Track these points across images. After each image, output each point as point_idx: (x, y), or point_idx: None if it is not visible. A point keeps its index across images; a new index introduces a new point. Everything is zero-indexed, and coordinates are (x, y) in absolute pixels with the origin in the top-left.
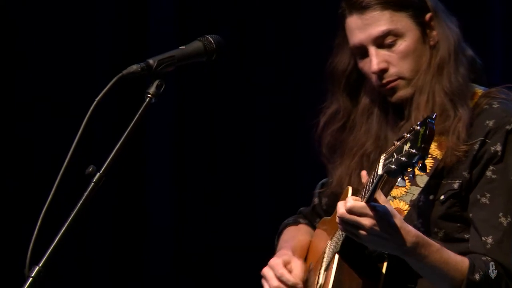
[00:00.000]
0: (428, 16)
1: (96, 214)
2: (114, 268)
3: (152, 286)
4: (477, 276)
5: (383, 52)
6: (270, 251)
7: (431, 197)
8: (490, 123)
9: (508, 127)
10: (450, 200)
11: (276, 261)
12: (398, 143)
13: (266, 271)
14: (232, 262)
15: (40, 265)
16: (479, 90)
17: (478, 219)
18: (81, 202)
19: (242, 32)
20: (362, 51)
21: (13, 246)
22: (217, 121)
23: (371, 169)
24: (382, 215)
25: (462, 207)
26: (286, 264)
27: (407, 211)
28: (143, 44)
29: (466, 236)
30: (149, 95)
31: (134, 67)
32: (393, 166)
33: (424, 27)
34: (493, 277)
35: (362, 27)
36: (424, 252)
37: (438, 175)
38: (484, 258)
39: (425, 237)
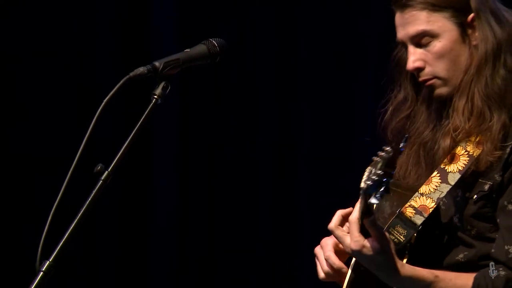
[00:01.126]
0: (470, 17)
1: (103, 211)
2: (120, 263)
3: (155, 284)
4: None
5: (420, 51)
6: (271, 254)
7: (467, 194)
8: None
9: None
10: (482, 201)
11: (327, 242)
12: (376, 159)
13: (317, 250)
14: (235, 264)
15: (50, 260)
16: None
17: (503, 226)
18: (89, 199)
19: (243, 34)
20: (405, 47)
21: (23, 242)
22: (221, 122)
23: (427, 158)
24: (371, 251)
25: (493, 208)
26: (337, 245)
27: (432, 209)
28: (144, 45)
29: None
30: (155, 96)
31: (141, 69)
32: (369, 183)
33: (465, 28)
34: None
35: (402, 24)
36: (417, 285)
37: (473, 173)
38: (496, 274)
39: (418, 271)
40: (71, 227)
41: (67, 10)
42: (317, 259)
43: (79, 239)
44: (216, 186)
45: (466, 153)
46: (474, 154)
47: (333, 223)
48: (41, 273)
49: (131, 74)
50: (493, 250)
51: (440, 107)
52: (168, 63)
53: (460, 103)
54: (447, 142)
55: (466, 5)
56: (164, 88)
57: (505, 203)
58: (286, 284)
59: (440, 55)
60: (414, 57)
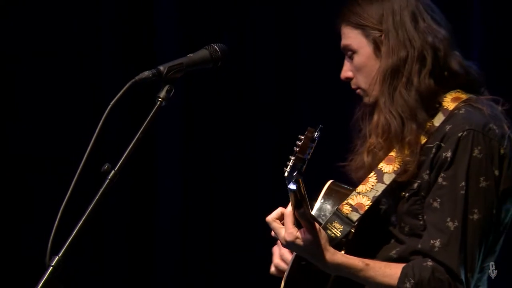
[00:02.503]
0: (380, 35)
1: (110, 208)
2: (126, 259)
3: (159, 281)
4: (407, 285)
5: (349, 63)
6: (271, 254)
7: (402, 193)
8: (448, 128)
9: (460, 134)
10: (412, 198)
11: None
12: (295, 148)
13: (274, 248)
14: (235, 264)
15: (59, 255)
16: (465, 95)
17: (429, 222)
18: (97, 197)
19: (244, 35)
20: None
21: (23, 242)
22: (222, 124)
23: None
24: (303, 241)
25: (422, 205)
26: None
27: (368, 206)
28: (145, 45)
29: None
30: (159, 99)
31: (146, 73)
32: (288, 170)
33: (378, 45)
34: (429, 283)
35: (341, 37)
36: (348, 271)
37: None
38: (424, 264)
39: (350, 259)
40: (79, 224)
41: (69, 11)
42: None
43: (87, 235)
44: (218, 186)
45: (400, 155)
46: (416, 154)
47: (271, 216)
48: (51, 267)
49: (137, 77)
50: (419, 246)
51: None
52: (172, 67)
53: (374, 119)
54: (368, 158)
55: (380, 24)
56: (168, 91)
57: (431, 200)
58: None
59: (358, 68)
60: (345, 67)
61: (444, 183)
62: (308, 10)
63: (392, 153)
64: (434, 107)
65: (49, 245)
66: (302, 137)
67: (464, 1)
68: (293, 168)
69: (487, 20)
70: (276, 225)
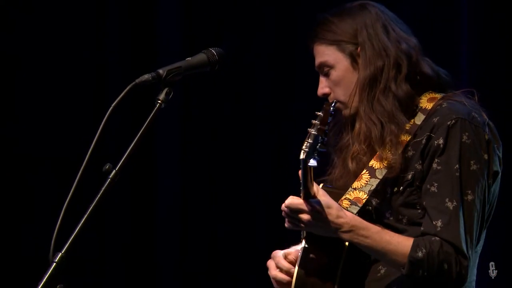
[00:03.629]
0: (359, 48)
1: (111, 207)
2: (127, 257)
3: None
4: (420, 254)
5: (325, 79)
6: (270, 250)
7: (395, 189)
8: (435, 119)
9: (449, 122)
10: (407, 189)
11: (276, 252)
12: (310, 129)
13: (268, 262)
14: (236, 264)
15: (62, 252)
16: (439, 95)
17: (429, 206)
18: (99, 195)
19: (244, 39)
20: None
21: (23, 241)
22: (220, 124)
23: (352, 164)
24: (317, 209)
25: (418, 195)
26: (287, 255)
27: (365, 199)
28: (151, 52)
29: None
30: (159, 101)
31: (146, 76)
32: (307, 150)
33: (354, 58)
34: (438, 254)
35: (315, 56)
36: (364, 233)
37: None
38: (433, 239)
39: (363, 221)
40: (82, 222)
41: (69, 12)
42: (269, 269)
43: (88, 233)
44: (216, 186)
45: (384, 155)
46: (399, 152)
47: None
48: (54, 263)
49: (137, 80)
50: (422, 228)
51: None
52: (171, 71)
53: (356, 127)
54: (353, 164)
55: (355, 38)
56: (167, 94)
57: (428, 186)
58: None
59: (336, 83)
60: (321, 84)
61: (439, 167)
62: (308, 12)
63: (379, 153)
64: (412, 109)
65: (52, 242)
66: (319, 112)
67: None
68: (314, 143)
69: (476, 18)
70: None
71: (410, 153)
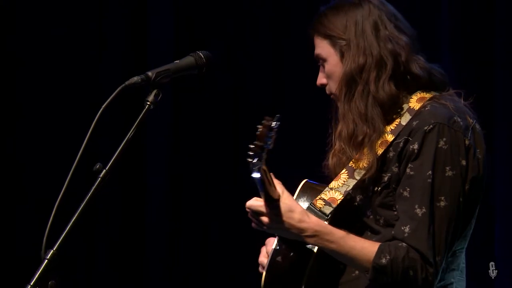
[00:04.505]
0: (344, 44)
1: (101, 205)
2: (117, 253)
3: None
4: (383, 260)
5: (323, 70)
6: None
7: (375, 188)
8: (414, 123)
9: (426, 127)
10: (384, 191)
11: (269, 240)
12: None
13: (262, 248)
14: (226, 262)
15: (54, 249)
16: (429, 95)
17: (400, 210)
18: (89, 194)
19: (233, 45)
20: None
21: (19, 240)
22: (209, 124)
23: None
24: (276, 213)
25: (394, 197)
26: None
27: (340, 200)
28: (143, 54)
29: None
30: (148, 103)
31: (135, 79)
32: (250, 160)
33: (343, 53)
34: (403, 260)
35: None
36: (328, 238)
37: (377, 169)
38: (399, 244)
39: (328, 226)
40: (73, 220)
41: (69, 13)
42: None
43: (79, 230)
44: (206, 182)
45: (365, 154)
46: (378, 153)
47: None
48: (46, 260)
49: (127, 82)
50: (393, 232)
51: None
52: (159, 73)
53: (338, 127)
54: (334, 160)
55: (344, 34)
56: (156, 95)
57: (401, 190)
58: None
59: (329, 76)
60: (320, 75)
61: (412, 173)
62: (301, 20)
63: (364, 150)
64: (397, 109)
65: (44, 239)
66: (260, 126)
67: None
68: (253, 157)
69: (454, 14)
70: (257, 207)
71: (391, 154)
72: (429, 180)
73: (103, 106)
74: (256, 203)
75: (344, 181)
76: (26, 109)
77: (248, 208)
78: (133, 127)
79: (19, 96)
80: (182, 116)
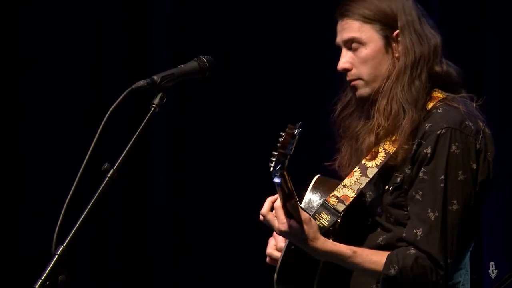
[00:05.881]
0: (396, 32)
1: (109, 203)
2: (123, 249)
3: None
4: (392, 271)
5: (350, 54)
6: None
7: (386, 187)
8: (427, 126)
9: (439, 132)
10: (396, 191)
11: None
12: (274, 151)
13: (270, 239)
14: (228, 260)
15: (64, 245)
16: (441, 95)
17: (412, 213)
18: (98, 193)
19: (233, 50)
20: (340, 51)
21: (21, 238)
22: (211, 126)
23: (356, 151)
24: (295, 226)
25: (406, 197)
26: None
27: (353, 198)
28: (144, 58)
29: None
30: (153, 105)
31: (141, 82)
32: (271, 165)
33: (389, 41)
34: (412, 269)
35: (340, 30)
36: (337, 258)
37: (389, 168)
38: (407, 252)
39: (338, 247)
40: (82, 217)
41: (68, 14)
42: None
43: (88, 227)
44: (206, 182)
45: (384, 150)
46: (390, 151)
47: (265, 209)
48: (56, 256)
49: (133, 86)
50: (404, 234)
51: (369, 108)
52: (164, 77)
53: (382, 105)
54: (372, 138)
55: (394, 22)
56: (161, 99)
57: (413, 193)
58: None
59: (364, 60)
60: (344, 59)
61: (425, 177)
62: (286, 22)
63: (376, 148)
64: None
65: (55, 236)
66: (283, 133)
67: None
68: (276, 163)
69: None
70: (270, 217)
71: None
72: (442, 185)
73: (111, 109)
74: (270, 217)
75: (357, 179)
76: (26, 109)
77: (263, 217)
78: (140, 128)
79: (19, 96)
80: (185, 118)
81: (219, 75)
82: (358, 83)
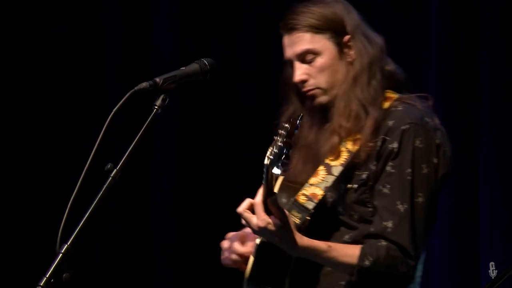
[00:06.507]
0: (346, 38)
1: (111, 204)
2: (125, 248)
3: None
4: (367, 262)
5: (305, 66)
6: None
7: (348, 185)
8: (391, 123)
9: (403, 127)
10: (361, 188)
11: (231, 234)
12: (276, 137)
13: (222, 243)
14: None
15: (68, 243)
16: (395, 95)
17: (380, 206)
18: (101, 192)
19: (234, 51)
20: (291, 64)
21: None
22: (213, 127)
23: (313, 157)
24: (277, 222)
25: (370, 194)
26: (240, 239)
27: (321, 195)
28: (146, 59)
29: None
30: (156, 107)
31: (144, 84)
32: (271, 157)
33: (342, 47)
34: (385, 260)
35: (290, 45)
36: (314, 254)
37: (352, 167)
38: (379, 244)
39: (314, 242)
40: (86, 216)
41: (68, 15)
42: (223, 249)
43: (92, 226)
44: (207, 181)
45: (346, 150)
46: (353, 150)
47: (242, 207)
48: (60, 254)
49: (136, 88)
50: (371, 229)
51: (321, 115)
52: (166, 79)
53: (340, 107)
54: (335, 139)
55: (342, 28)
56: (163, 100)
57: (380, 187)
58: None
59: (321, 69)
60: (300, 71)
61: (392, 170)
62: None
63: (339, 148)
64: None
65: (59, 234)
66: (286, 124)
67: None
68: (279, 153)
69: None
70: (247, 215)
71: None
72: (409, 178)
73: (114, 110)
74: (247, 214)
75: (323, 178)
76: (26, 109)
77: (240, 214)
78: (142, 129)
79: (19, 96)
80: (187, 120)
81: (219, 75)
82: (316, 92)
